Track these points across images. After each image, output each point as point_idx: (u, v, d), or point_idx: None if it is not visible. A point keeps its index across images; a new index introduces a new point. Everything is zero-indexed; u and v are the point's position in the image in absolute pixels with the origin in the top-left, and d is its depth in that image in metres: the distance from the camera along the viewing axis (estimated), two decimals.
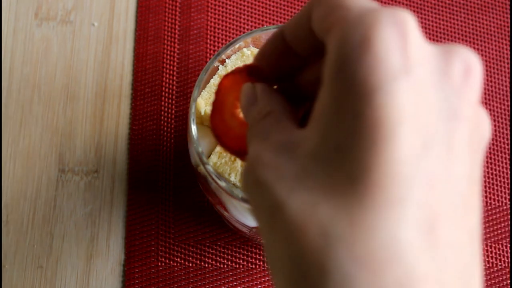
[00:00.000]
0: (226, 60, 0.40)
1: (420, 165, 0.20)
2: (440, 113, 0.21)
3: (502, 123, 0.50)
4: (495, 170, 0.49)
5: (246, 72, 0.31)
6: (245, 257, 0.47)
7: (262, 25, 0.53)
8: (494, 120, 0.50)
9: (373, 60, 0.20)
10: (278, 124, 0.25)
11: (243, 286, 0.47)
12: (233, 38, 0.52)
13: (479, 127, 0.22)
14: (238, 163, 0.38)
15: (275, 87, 0.29)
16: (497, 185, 0.49)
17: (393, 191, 0.20)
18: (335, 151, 0.20)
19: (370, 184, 0.20)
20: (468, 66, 0.22)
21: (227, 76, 0.33)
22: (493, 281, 0.47)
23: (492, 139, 0.50)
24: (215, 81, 0.39)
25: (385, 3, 0.53)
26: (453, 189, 0.21)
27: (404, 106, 0.20)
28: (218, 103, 0.34)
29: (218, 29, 0.52)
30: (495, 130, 0.50)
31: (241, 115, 0.32)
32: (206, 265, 0.47)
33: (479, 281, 0.22)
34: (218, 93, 0.33)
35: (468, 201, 0.21)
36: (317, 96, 0.22)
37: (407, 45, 0.20)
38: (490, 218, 0.48)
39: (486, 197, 0.49)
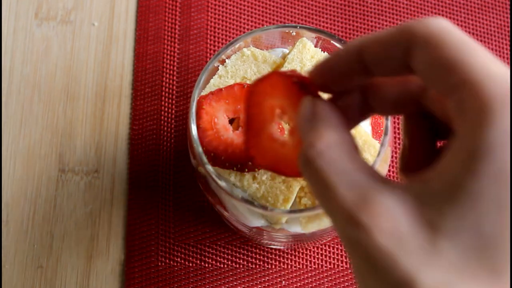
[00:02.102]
0: (226, 60, 0.40)
1: None
2: None
3: None
4: None
5: (294, 83, 0.29)
6: (245, 257, 0.47)
7: (262, 25, 0.53)
8: None
9: None
10: (351, 160, 0.23)
11: (243, 286, 0.47)
12: (233, 38, 0.52)
13: None
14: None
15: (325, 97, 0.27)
16: None
17: None
18: (474, 235, 0.20)
19: (509, 280, 0.20)
20: None
21: (261, 80, 0.30)
22: None
23: None
24: (215, 81, 0.39)
25: (385, 2, 0.53)
26: None
27: None
28: (252, 116, 0.31)
29: (218, 29, 0.52)
30: None
31: (281, 137, 0.30)
32: (206, 265, 0.47)
33: None
34: (251, 103, 0.29)
35: None
36: (446, 164, 0.22)
37: None
38: None
39: None
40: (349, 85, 0.27)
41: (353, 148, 0.24)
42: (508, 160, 0.20)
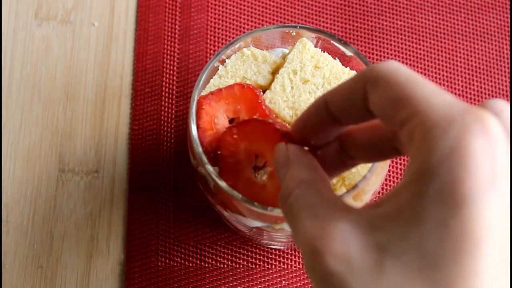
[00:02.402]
0: (226, 60, 0.40)
1: (501, 279, 0.21)
2: None
3: None
4: None
5: (277, 130, 0.30)
6: (245, 257, 0.47)
7: (262, 25, 0.53)
8: None
9: (463, 172, 0.20)
10: (320, 196, 0.25)
11: (243, 286, 0.47)
12: (233, 38, 0.52)
13: None
14: None
15: (306, 148, 0.29)
16: None
17: None
18: (419, 257, 0.21)
19: None
20: None
21: (239, 125, 0.31)
22: None
23: None
24: (215, 81, 0.39)
25: (385, 2, 0.53)
26: None
27: (489, 220, 0.20)
28: (228, 160, 0.32)
29: (218, 29, 0.52)
30: None
31: (260, 180, 0.31)
32: (206, 265, 0.47)
33: None
34: (227, 146, 0.32)
35: None
36: (397, 189, 0.23)
37: (495, 156, 0.21)
38: None
39: None
40: (325, 137, 0.29)
41: (322, 184, 0.26)
42: (450, 181, 0.21)
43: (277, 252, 0.47)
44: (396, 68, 0.24)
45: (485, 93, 0.51)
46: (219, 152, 0.34)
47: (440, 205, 0.21)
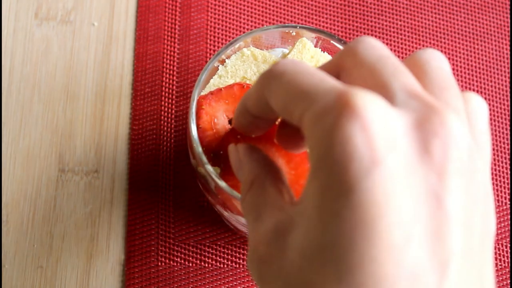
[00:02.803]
0: (226, 60, 0.40)
1: (403, 260, 0.20)
2: (420, 197, 0.21)
3: (502, 123, 0.50)
4: (495, 170, 0.49)
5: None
6: (245, 257, 0.47)
7: (262, 25, 0.53)
8: (494, 120, 0.51)
9: (344, 160, 0.20)
10: (265, 196, 0.26)
11: (243, 286, 0.47)
12: (233, 38, 0.52)
13: (476, 195, 0.22)
14: None
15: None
16: (497, 185, 0.49)
17: None
18: (320, 250, 0.21)
19: (354, 285, 0.20)
20: (447, 137, 0.21)
21: (230, 133, 0.32)
22: None
23: (492, 139, 0.50)
24: (215, 81, 0.39)
25: (385, 2, 0.53)
26: (445, 275, 0.21)
27: (379, 201, 0.20)
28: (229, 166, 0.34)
29: (218, 29, 0.52)
30: (495, 130, 0.50)
31: None
32: (206, 265, 0.47)
33: None
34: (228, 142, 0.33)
35: (469, 276, 0.21)
36: (307, 181, 0.23)
37: (372, 136, 0.20)
38: None
39: None
40: (269, 126, 0.29)
41: (269, 181, 0.26)
42: (335, 172, 0.20)
43: None
44: (282, 70, 0.24)
45: (485, 93, 0.51)
46: (221, 152, 0.34)
47: (332, 197, 0.21)
